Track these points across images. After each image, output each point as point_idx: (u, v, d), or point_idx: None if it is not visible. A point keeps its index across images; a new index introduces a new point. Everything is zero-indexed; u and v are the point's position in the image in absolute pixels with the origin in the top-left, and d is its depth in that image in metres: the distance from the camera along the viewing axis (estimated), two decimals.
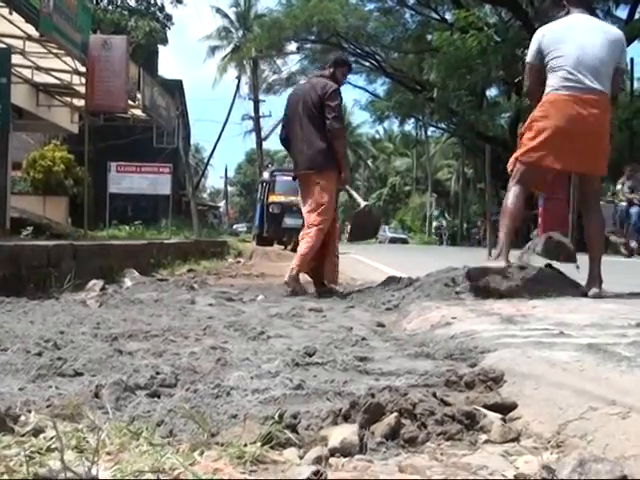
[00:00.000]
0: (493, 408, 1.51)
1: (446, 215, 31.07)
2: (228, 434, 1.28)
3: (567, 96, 3.81)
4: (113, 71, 10.55)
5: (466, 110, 26.04)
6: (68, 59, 10.21)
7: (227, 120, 42.26)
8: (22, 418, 1.33)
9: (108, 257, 5.99)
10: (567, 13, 4.06)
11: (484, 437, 1.38)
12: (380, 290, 4.53)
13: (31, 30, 8.43)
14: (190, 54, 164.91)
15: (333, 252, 5.07)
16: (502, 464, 1.22)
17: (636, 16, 23.56)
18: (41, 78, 11.62)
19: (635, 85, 22.37)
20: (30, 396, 1.54)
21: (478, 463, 1.21)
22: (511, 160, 4.09)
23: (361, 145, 56.17)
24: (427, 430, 1.38)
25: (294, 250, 14.33)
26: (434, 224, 30.35)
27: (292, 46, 31.59)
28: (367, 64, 30.33)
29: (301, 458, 1.21)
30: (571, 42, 3.87)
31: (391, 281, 4.72)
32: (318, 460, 1.19)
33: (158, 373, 1.78)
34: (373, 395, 1.48)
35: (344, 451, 1.26)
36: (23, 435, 1.24)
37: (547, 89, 3.90)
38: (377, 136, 59.90)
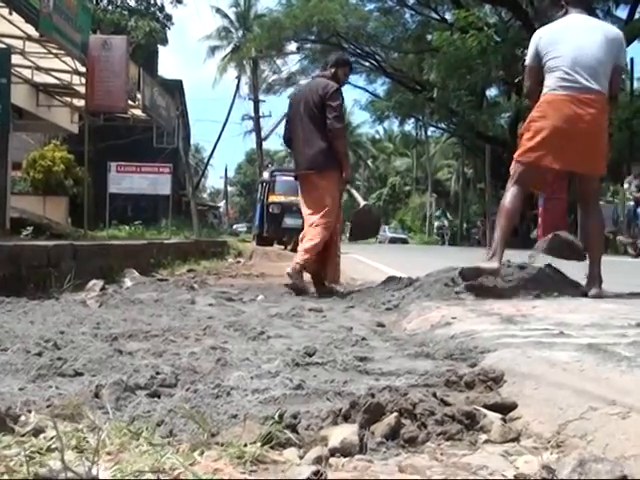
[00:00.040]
0: (493, 408, 1.51)
1: (448, 215, 31.07)
2: (228, 434, 1.28)
3: (564, 96, 3.82)
4: (113, 71, 10.55)
5: (466, 110, 26.06)
6: (68, 59, 10.21)
7: (227, 120, 42.26)
8: (22, 418, 1.33)
9: (108, 257, 5.99)
10: (565, 13, 4.06)
11: (484, 437, 1.38)
12: (380, 290, 4.53)
13: (31, 30, 8.43)
14: (190, 54, 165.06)
15: (335, 252, 5.07)
16: (502, 464, 1.22)
17: (636, 16, 23.58)
18: (41, 78, 11.62)
19: (635, 85, 22.39)
20: (30, 396, 1.54)
21: (478, 463, 1.21)
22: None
23: (361, 145, 56.19)
24: (427, 430, 1.38)
25: (294, 250, 14.32)
26: (436, 224, 30.36)
27: (292, 46, 31.66)
28: (367, 64, 30.35)
29: (301, 458, 1.21)
30: (568, 42, 3.88)
31: (391, 281, 4.72)
32: (318, 460, 1.19)
33: (158, 373, 1.78)
34: (373, 395, 1.48)
35: (344, 451, 1.26)
36: (23, 435, 1.24)
37: (544, 89, 3.91)
38: (377, 136, 60.03)
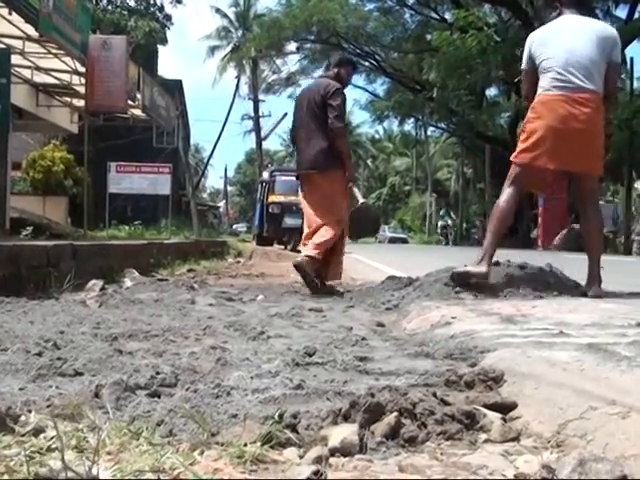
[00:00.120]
0: (493, 408, 1.51)
1: (452, 214, 31.03)
2: (228, 434, 1.28)
3: (558, 96, 3.82)
4: (113, 71, 10.55)
5: (466, 110, 26.08)
6: (68, 59, 10.21)
7: (227, 120, 42.09)
8: (22, 418, 1.33)
9: (108, 257, 5.99)
10: (559, 14, 4.07)
11: (484, 437, 1.38)
12: (380, 290, 4.53)
13: (31, 30, 8.44)
14: (190, 54, 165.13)
15: (341, 250, 5.12)
16: (502, 464, 1.22)
17: (636, 15, 23.59)
18: (41, 78, 11.63)
19: (635, 85, 22.38)
20: (30, 396, 1.54)
21: (478, 463, 1.21)
22: None
23: (361, 145, 56.21)
24: (427, 430, 1.38)
25: (294, 250, 14.30)
26: (439, 223, 30.30)
27: (292, 46, 31.67)
28: (367, 64, 30.36)
29: (301, 458, 1.21)
30: (561, 43, 3.89)
31: (391, 281, 4.72)
32: (318, 460, 1.19)
33: (158, 373, 1.78)
34: (373, 395, 1.48)
35: (344, 451, 1.26)
36: (23, 435, 1.24)
37: (538, 90, 3.92)
38: (377, 136, 60.06)
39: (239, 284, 5.81)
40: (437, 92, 26.12)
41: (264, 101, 45.02)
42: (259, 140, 44.58)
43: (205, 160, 48.12)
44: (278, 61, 37.82)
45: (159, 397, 1.59)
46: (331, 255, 4.98)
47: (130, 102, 11.66)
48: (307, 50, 31.64)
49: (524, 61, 4.08)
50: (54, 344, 2.22)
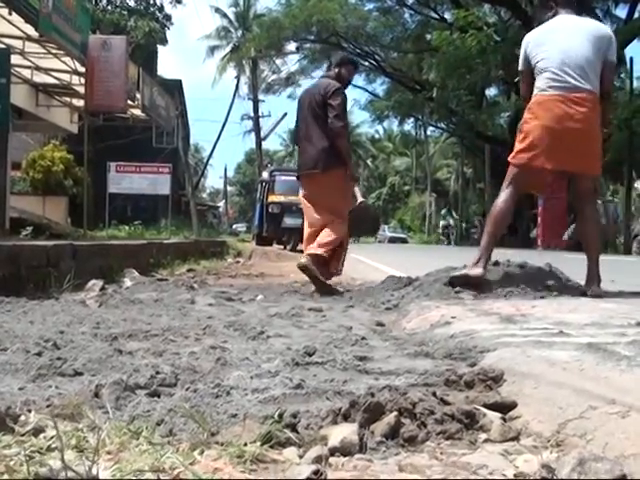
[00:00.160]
0: (493, 407, 1.51)
1: (453, 214, 30.99)
2: (228, 433, 1.28)
3: (554, 96, 3.82)
4: (112, 71, 10.56)
5: (465, 110, 26.08)
6: (67, 59, 10.21)
7: (226, 120, 42.08)
8: (22, 418, 1.33)
9: (108, 257, 5.99)
10: (555, 14, 4.07)
11: (484, 436, 1.38)
12: (380, 290, 4.53)
13: (30, 30, 8.44)
14: (189, 54, 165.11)
15: (344, 246, 5.13)
16: (502, 463, 1.22)
17: (635, 15, 23.59)
18: (40, 78, 11.62)
19: (635, 84, 22.38)
20: (30, 396, 1.54)
21: (478, 462, 1.21)
22: None
23: (360, 145, 56.18)
24: (427, 429, 1.38)
25: (294, 250, 14.27)
26: (441, 223, 30.27)
27: (291, 46, 31.67)
28: (366, 64, 30.35)
29: (301, 457, 1.21)
30: (556, 43, 3.89)
31: (390, 280, 4.72)
32: (318, 459, 1.19)
33: (158, 373, 1.78)
34: (373, 394, 1.48)
35: (344, 450, 1.26)
36: (23, 435, 1.24)
37: (535, 91, 3.92)
38: (376, 136, 60.06)
39: (239, 284, 5.81)
40: (437, 92, 26.12)
41: (264, 101, 45.15)
42: (259, 140, 44.58)
43: (205, 160, 48.18)
44: (278, 61, 37.87)
45: (159, 397, 1.59)
46: (334, 253, 4.99)
47: (130, 102, 11.66)
48: (307, 50, 31.63)
49: (520, 62, 4.09)
50: (54, 344, 2.22)
